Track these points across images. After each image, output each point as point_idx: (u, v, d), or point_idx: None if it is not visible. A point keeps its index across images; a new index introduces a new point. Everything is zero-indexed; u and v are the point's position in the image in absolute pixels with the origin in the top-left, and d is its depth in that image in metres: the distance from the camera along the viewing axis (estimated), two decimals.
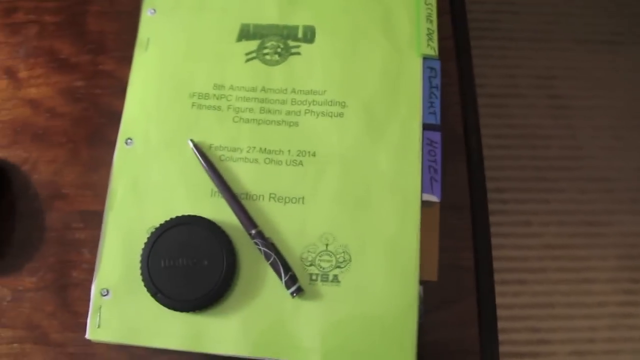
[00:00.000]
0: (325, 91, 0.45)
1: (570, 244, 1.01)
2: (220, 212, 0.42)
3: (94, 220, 0.43)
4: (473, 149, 0.44)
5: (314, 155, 0.43)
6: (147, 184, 0.43)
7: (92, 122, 0.47)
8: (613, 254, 1.01)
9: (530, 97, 1.09)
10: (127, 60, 0.47)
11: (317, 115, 0.44)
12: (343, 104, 0.44)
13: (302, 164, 0.43)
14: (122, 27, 0.49)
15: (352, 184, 0.42)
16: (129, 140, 0.44)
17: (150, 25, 0.48)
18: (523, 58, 1.12)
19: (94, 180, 0.45)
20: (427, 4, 0.46)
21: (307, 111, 0.44)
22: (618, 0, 1.17)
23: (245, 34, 0.47)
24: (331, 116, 0.44)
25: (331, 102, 0.44)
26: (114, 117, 0.45)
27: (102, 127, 0.46)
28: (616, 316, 0.99)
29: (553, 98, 1.09)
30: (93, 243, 0.43)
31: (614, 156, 1.06)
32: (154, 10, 0.48)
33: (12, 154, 0.46)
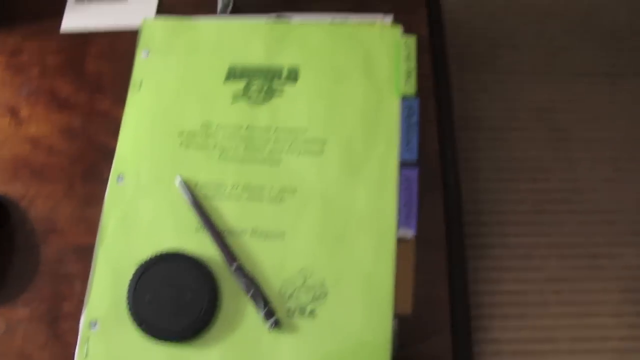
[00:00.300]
0: (306, 130, 0.46)
1: (571, 277, 1.00)
2: (204, 246, 0.43)
3: (86, 254, 0.45)
4: (450, 184, 0.45)
5: (294, 192, 0.45)
6: (136, 219, 0.45)
7: (87, 160, 0.49)
8: (616, 288, 1.00)
9: (530, 130, 1.10)
10: (122, 100, 0.49)
11: (299, 153, 0.46)
12: (323, 141, 0.46)
13: (283, 201, 0.44)
14: (118, 69, 0.51)
15: (331, 220, 0.43)
16: (120, 177, 0.46)
17: (144, 66, 0.50)
18: (523, 91, 1.13)
19: (87, 215, 0.47)
20: (406, 44, 0.48)
21: (289, 149, 0.46)
22: (616, 33, 1.19)
23: (233, 74, 0.49)
24: (312, 154, 0.46)
25: (312, 140, 0.46)
26: (108, 155, 0.48)
27: (96, 164, 0.48)
28: (620, 351, 0.97)
29: (553, 131, 1.10)
30: (85, 276, 0.44)
31: (615, 188, 1.06)
32: (148, 52, 0.51)
33: (11, 189, 0.48)
